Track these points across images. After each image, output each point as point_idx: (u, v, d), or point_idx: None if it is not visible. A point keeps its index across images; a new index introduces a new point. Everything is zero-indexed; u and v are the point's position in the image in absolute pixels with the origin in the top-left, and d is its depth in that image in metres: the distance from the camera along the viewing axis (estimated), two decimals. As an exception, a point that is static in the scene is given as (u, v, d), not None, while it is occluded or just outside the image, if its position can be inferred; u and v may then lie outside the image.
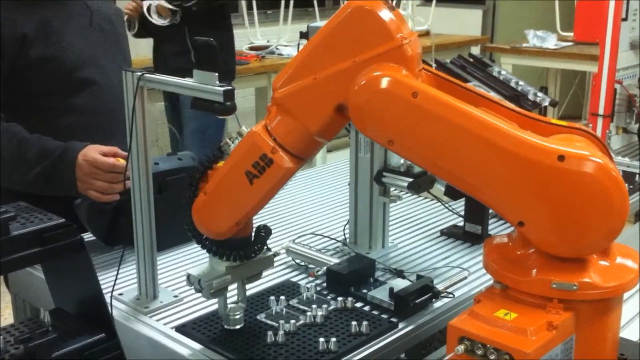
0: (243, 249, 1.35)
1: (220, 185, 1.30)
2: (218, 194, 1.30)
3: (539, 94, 2.42)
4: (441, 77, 1.25)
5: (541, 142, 1.08)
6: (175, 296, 1.58)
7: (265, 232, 1.39)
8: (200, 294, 1.36)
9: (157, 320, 1.49)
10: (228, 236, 1.33)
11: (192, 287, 1.37)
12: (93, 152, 1.77)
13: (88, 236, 1.83)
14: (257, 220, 2.05)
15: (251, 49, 5.21)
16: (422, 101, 1.13)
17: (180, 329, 1.45)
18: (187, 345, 1.40)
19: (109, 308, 1.42)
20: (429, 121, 1.13)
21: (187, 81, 1.39)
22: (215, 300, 1.55)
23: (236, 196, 1.29)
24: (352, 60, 1.18)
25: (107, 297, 1.48)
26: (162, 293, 1.58)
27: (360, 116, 1.18)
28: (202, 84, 1.35)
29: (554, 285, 1.10)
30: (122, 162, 1.71)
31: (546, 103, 2.43)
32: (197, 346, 1.39)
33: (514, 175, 1.09)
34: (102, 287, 1.45)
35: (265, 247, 1.40)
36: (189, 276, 1.36)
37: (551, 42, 5.39)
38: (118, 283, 1.59)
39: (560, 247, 1.11)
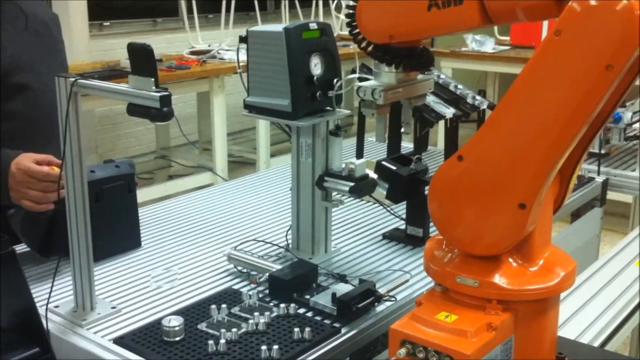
0: (412, 59, 1.38)
1: None
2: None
3: (477, 97, 2.47)
4: None
5: None
6: (114, 307, 1.54)
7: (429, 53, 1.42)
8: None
9: (95, 333, 1.45)
10: (381, 41, 1.34)
11: (363, 99, 1.43)
12: (26, 160, 1.71)
13: (22, 247, 1.77)
14: (209, 221, 2.03)
15: (192, 53, 5.16)
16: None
17: (119, 340, 1.41)
18: (126, 358, 1.36)
19: (44, 321, 1.38)
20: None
21: (122, 86, 1.36)
22: (155, 311, 1.53)
23: (408, 11, 1.27)
24: None
25: (42, 310, 1.44)
26: (100, 304, 1.54)
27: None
28: (137, 89, 1.32)
29: (458, 279, 1.13)
30: (57, 170, 1.66)
31: (484, 106, 2.47)
32: (136, 358, 1.36)
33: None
34: (37, 299, 1.42)
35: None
36: (359, 88, 1.40)
37: (489, 46, 5.51)
38: (53, 295, 1.55)
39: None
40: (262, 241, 1.89)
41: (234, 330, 1.40)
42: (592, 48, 1.00)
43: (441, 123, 2.43)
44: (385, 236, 1.95)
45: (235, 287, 1.64)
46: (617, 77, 1.00)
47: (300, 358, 1.36)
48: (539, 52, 1.06)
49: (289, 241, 1.86)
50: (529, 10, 1.17)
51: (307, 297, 1.54)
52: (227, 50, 5.14)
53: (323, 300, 1.52)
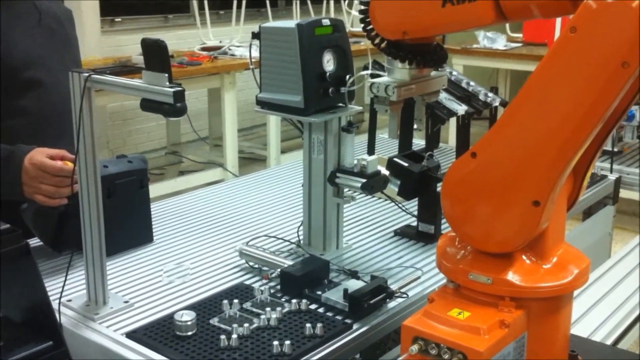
0: (425, 55, 1.40)
1: None
2: None
3: (490, 94, 2.46)
4: None
5: None
6: (126, 302, 1.55)
7: (442, 49, 1.45)
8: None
9: (107, 327, 1.46)
10: (394, 37, 1.37)
11: (376, 95, 1.45)
12: (40, 155, 1.72)
13: (35, 241, 1.78)
14: (218, 219, 2.03)
15: (203, 49, 5.17)
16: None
17: (131, 335, 1.42)
18: (138, 352, 1.37)
19: (57, 315, 1.39)
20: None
21: (135, 82, 1.36)
22: (167, 305, 1.54)
23: (422, 7, 1.30)
24: None
25: (55, 304, 1.45)
26: (112, 299, 1.54)
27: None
28: (151, 84, 1.32)
29: (470, 277, 1.13)
30: (70, 165, 1.67)
31: (496, 103, 2.46)
32: (148, 352, 1.36)
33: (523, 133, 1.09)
34: (50, 293, 1.42)
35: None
36: (372, 85, 1.43)
37: (501, 43, 5.49)
38: (66, 289, 1.56)
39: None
40: (274, 237, 1.90)
41: (246, 325, 1.40)
42: (608, 45, 1.00)
43: (453, 120, 2.43)
44: (396, 233, 1.95)
45: (247, 282, 1.64)
46: (633, 75, 1.00)
47: (311, 354, 1.37)
48: (554, 48, 1.05)
49: (301, 237, 1.86)
50: (544, 8, 1.17)
51: (319, 293, 1.54)
52: (238, 46, 5.15)
53: (334, 296, 1.52)
